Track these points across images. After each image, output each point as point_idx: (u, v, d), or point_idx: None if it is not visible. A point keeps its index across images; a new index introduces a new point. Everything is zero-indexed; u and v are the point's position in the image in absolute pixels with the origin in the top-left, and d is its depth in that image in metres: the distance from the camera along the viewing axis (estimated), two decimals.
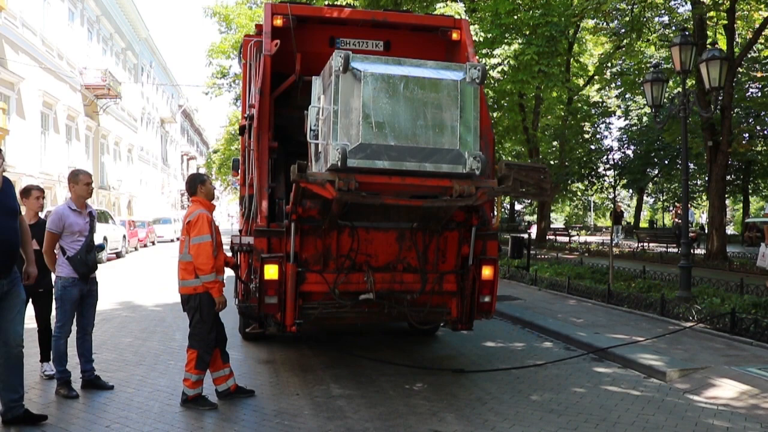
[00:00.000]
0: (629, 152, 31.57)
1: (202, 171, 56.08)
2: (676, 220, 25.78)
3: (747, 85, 20.36)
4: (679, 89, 10.52)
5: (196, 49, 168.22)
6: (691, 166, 27.28)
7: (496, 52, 16.43)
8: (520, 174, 4.92)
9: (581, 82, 25.57)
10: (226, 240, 5.40)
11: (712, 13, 16.65)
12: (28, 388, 5.32)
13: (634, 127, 31.26)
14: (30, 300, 5.27)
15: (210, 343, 4.94)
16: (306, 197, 5.00)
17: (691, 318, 8.24)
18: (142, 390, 5.38)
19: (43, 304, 5.59)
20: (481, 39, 16.18)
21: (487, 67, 16.34)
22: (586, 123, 27.86)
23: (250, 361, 6.46)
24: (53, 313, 5.65)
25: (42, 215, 5.91)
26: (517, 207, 41.40)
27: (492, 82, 17.76)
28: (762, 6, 17.52)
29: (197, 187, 5.09)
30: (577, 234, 33.66)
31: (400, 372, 5.97)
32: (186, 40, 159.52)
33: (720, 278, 11.07)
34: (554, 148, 28.46)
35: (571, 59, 22.75)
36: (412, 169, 4.50)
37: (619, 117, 32.82)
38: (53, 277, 5.35)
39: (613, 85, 26.48)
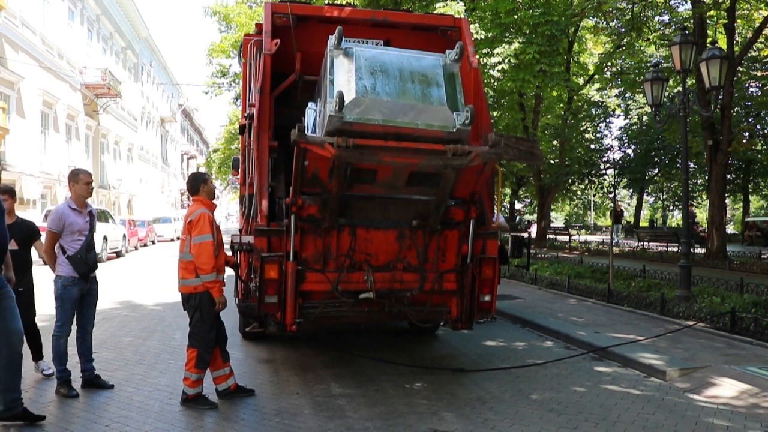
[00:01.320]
0: (629, 151, 31.63)
1: (203, 170, 56.04)
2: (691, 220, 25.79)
3: (747, 84, 20.36)
4: (679, 88, 10.52)
5: (196, 49, 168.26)
6: (691, 165, 27.30)
7: (497, 51, 16.42)
8: (510, 141, 5.11)
9: (581, 81, 25.56)
10: (225, 239, 5.40)
11: (712, 12, 16.66)
12: (27, 388, 5.34)
13: (634, 127, 31.30)
14: None
15: (210, 342, 4.94)
16: (306, 183, 5.01)
17: (691, 317, 8.24)
18: (143, 389, 5.38)
19: (25, 303, 5.47)
20: (482, 38, 16.17)
21: (488, 67, 16.37)
22: (586, 123, 27.89)
23: (250, 361, 6.46)
24: (38, 311, 5.68)
25: (21, 215, 5.92)
26: (518, 206, 41.37)
27: (492, 81, 17.76)
28: (762, 5, 17.53)
29: (199, 186, 5.09)
30: (577, 233, 33.71)
31: (400, 371, 5.97)
32: (186, 39, 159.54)
33: (720, 277, 11.08)
34: (554, 148, 28.45)
35: (571, 58, 22.73)
36: (405, 126, 4.71)
37: (619, 116, 32.86)
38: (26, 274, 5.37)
39: (612, 84, 26.50)
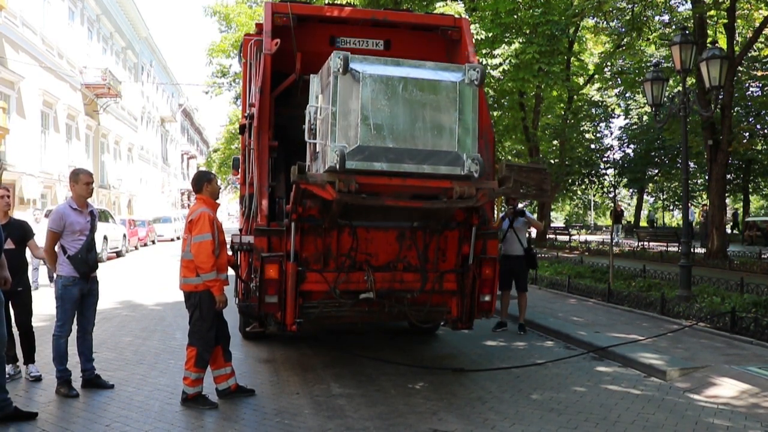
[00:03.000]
0: (629, 151, 31.63)
1: (204, 170, 55.95)
2: (703, 220, 25.63)
3: (747, 84, 20.37)
4: (679, 88, 10.52)
5: (196, 49, 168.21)
6: (692, 165, 27.30)
7: (497, 51, 16.42)
8: (521, 175, 4.95)
9: (581, 81, 25.55)
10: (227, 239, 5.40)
11: (712, 12, 16.65)
12: (27, 388, 5.36)
13: (635, 126, 31.30)
14: (10, 301, 5.25)
15: (209, 341, 4.94)
16: (306, 197, 5.01)
17: (691, 317, 8.24)
18: (143, 389, 5.38)
19: (23, 303, 5.52)
20: (482, 38, 16.17)
21: (488, 67, 16.36)
22: (586, 123, 27.88)
23: (250, 360, 6.46)
24: (34, 312, 5.68)
25: (25, 216, 5.94)
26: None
27: (492, 81, 17.76)
28: (762, 5, 17.52)
29: (203, 185, 5.09)
30: (578, 233, 33.69)
31: (401, 371, 5.97)
32: (186, 39, 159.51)
33: (720, 277, 11.08)
34: (554, 147, 28.45)
35: (572, 58, 22.72)
36: (411, 171, 4.54)
37: (619, 116, 32.85)
38: (29, 274, 5.37)
39: (612, 84, 26.50)
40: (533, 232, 26.32)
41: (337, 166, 4.26)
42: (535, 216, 33.45)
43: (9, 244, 5.39)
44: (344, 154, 4.29)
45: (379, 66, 4.57)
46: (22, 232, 5.63)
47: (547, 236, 26.34)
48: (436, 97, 4.55)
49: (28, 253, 5.78)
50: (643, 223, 41.92)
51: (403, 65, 4.63)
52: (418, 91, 4.51)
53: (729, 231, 26.14)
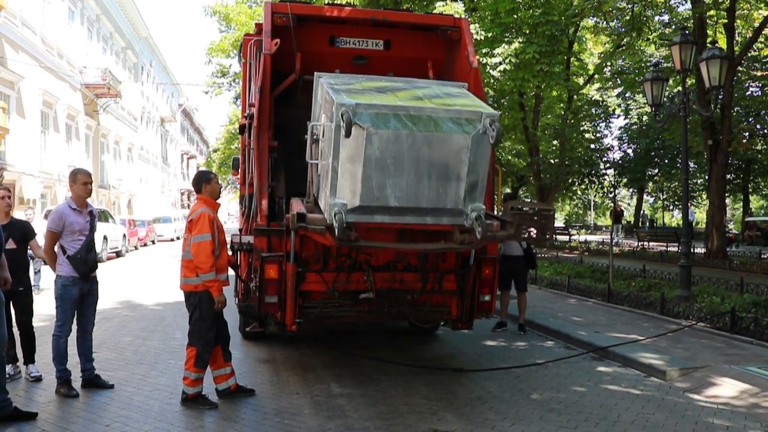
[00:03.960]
0: (629, 151, 31.63)
1: (203, 169, 55.93)
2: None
3: (747, 84, 20.36)
4: (679, 88, 10.52)
5: (196, 48, 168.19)
6: (691, 165, 27.30)
7: (497, 51, 16.41)
8: (525, 219, 4.91)
9: (581, 81, 25.55)
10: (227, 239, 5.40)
11: (712, 12, 16.66)
12: (27, 388, 5.35)
13: (634, 127, 31.29)
14: (10, 301, 5.26)
15: (209, 341, 4.94)
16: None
17: (691, 317, 8.24)
18: (143, 389, 5.38)
19: (24, 303, 5.52)
20: (482, 38, 16.16)
21: (488, 67, 16.36)
22: (586, 123, 27.87)
23: (250, 360, 6.46)
24: (35, 312, 5.68)
25: (17, 215, 5.94)
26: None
27: (492, 81, 17.75)
28: (762, 5, 17.52)
29: (202, 185, 5.08)
30: (577, 233, 33.69)
31: (400, 371, 5.97)
32: (186, 39, 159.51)
33: (720, 277, 11.07)
34: (554, 147, 28.44)
35: (572, 58, 22.72)
36: (413, 223, 4.58)
37: (619, 116, 32.85)
38: (30, 274, 5.37)
39: (612, 84, 26.49)
40: (533, 232, 26.32)
41: (336, 232, 4.18)
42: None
43: (10, 244, 5.39)
44: (343, 219, 4.18)
45: (388, 107, 4.23)
46: (23, 232, 5.63)
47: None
48: (446, 154, 4.31)
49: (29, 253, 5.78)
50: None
51: (414, 117, 4.25)
52: (428, 148, 4.26)
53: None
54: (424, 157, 4.28)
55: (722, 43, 16.48)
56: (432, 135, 4.24)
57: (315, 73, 4.89)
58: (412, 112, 4.24)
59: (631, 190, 40.52)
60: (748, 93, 20.94)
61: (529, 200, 42.51)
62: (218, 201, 5.21)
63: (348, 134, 4.03)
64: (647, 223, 38.59)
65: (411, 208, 4.40)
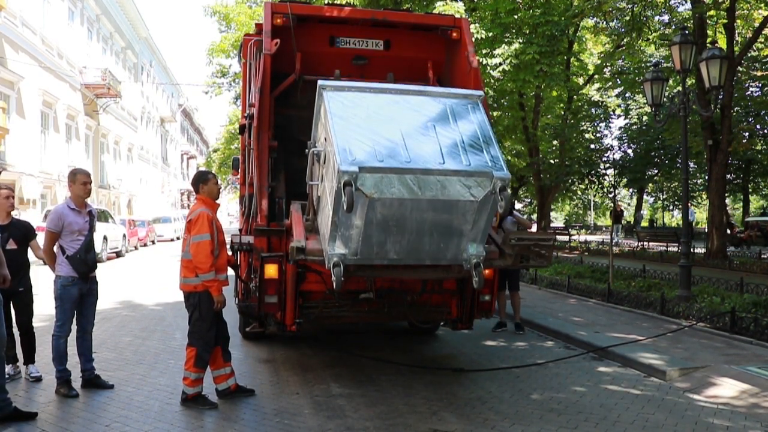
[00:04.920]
0: (629, 151, 31.61)
1: (203, 169, 55.93)
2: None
3: (747, 84, 20.35)
4: (679, 88, 10.51)
5: (196, 49, 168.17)
6: (691, 165, 27.28)
7: (497, 51, 16.41)
8: (524, 250, 4.92)
9: (581, 81, 25.54)
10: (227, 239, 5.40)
11: (712, 12, 16.66)
12: (27, 388, 5.35)
13: (634, 127, 31.28)
14: (11, 301, 5.27)
15: (209, 341, 4.94)
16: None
17: (691, 317, 8.24)
18: (142, 389, 5.38)
19: (23, 303, 5.51)
20: (482, 38, 16.16)
21: (488, 67, 16.36)
22: (586, 123, 27.85)
23: (250, 360, 6.46)
24: (35, 312, 5.68)
25: (16, 215, 5.93)
26: (518, 206, 41.36)
27: (492, 81, 17.75)
28: (762, 5, 17.52)
29: (200, 185, 5.09)
30: (577, 233, 33.70)
31: (400, 371, 5.97)
32: (186, 39, 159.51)
33: (720, 277, 11.07)
34: (554, 147, 28.43)
35: (572, 58, 22.71)
36: (412, 263, 4.56)
37: (619, 116, 32.84)
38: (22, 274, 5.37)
39: (612, 84, 26.48)
40: (533, 231, 26.35)
41: (335, 285, 4.14)
42: (534, 216, 33.42)
43: (11, 244, 5.39)
44: (341, 274, 4.14)
45: (394, 180, 3.97)
46: (24, 232, 5.63)
47: None
48: (451, 215, 4.21)
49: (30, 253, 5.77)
50: (643, 223, 41.93)
51: (421, 180, 4.00)
52: (432, 211, 4.15)
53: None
54: (428, 218, 4.18)
55: (722, 43, 16.49)
56: (438, 200, 4.10)
57: (318, 82, 4.55)
58: (419, 174, 4.02)
59: (631, 190, 40.50)
60: (748, 93, 20.93)
61: (529, 200, 42.57)
62: (218, 201, 5.21)
63: (350, 210, 3.87)
64: (639, 223, 38.52)
65: (411, 258, 4.44)
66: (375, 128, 4.23)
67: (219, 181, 5.24)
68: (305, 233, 4.83)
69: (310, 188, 5.04)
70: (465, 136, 4.37)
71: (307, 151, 4.73)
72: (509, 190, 4.22)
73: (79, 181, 5.26)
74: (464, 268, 4.52)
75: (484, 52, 16.45)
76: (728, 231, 22.61)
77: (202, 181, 5.10)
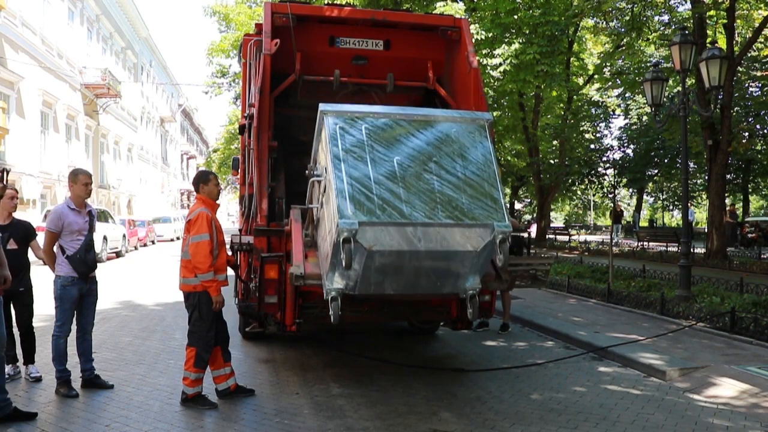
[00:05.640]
0: (629, 151, 31.63)
1: (203, 169, 55.88)
2: (728, 219, 25.42)
3: (747, 84, 20.35)
4: (679, 88, 10.51)
5: (196, 49, 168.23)
6: (691, 165, 27.28)
7: (497, 51, 16.42)
8: (519, 275, 5.02)
9: (581, 81, 25.55)
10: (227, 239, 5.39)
11: (711, 12, 16.65)
12: (27, 388, 5.35)
13: (634, 126, 31.29)
14: (11, 301, 5.26)
15: (209, 341, 4.93)
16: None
17: (691, 317, 8.23)
18: (142, 389, 5.38)
19: (23, 304, 5.51)
20: (482, 38, 16.17)
21: (488, 67, 16.37)
22: (586, 123, 27.86)
23: (249, 360, 6.46)
24: (35, 312, 5.68)
25: (21, 215, 5.95)
26: (517, 206, 41.39)
27: (492, 81, 17.76)
28: (762, 5, 17.53)
29: (200, 185, 5.09)
30: (577, 233, 33.68)
31: (400, 371, 5.97)
32: (186, 39, 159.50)
33: (720, 277, 11.07)
34: (554, 147, 28.44)
35: (571, 58, 22.72)
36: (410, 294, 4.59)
37: (619, 116, 32.85)
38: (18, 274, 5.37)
39: (612, 84, 26.48)
40: (533, 231, 26.35)
41: (332, 318, 4.16)
42: (534, 216, 33.31)
43: (11, 245, 5.40)
44: (338, 307, 4.18)
45: (394, 233, 3.94)
46: (25, 233, 5.63)
47: (547, 236, 26.34)
48: (450, 263, 4.23)
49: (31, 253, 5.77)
50: (643, 223, 41.91)
51: (421, 232, 3.97)
52: (431, 260, 4.16)
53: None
54: (427, 265, 4.20)
55: (722, 43, 16.48)
56: (437, 251, 4.10)
57: (320, 107, 4.40)
58: (419, 227, 3.99)
59: (631, 190, 40.49)
60: (748, 93, 20.93)
61: (529, 200, 42.57)
62: (218, 201, 5.21)
63: (348, 267, 3.89)
64: (637, 224, 38.52)
65: (408, 292, 4.47)
66: (376, 167, 4.13)
67: (220, 182, 5.23)
68: (304, 249, 4.81)
69: (309, 213, 5.01)
70: (468, 175, 4.27)
71: (307, 173, 4.68)
72: (509, 242, 4.20)
73: (81, 181, 5.26)
74: (460, 297, 4.59)
75: (484, 52, 16.46)
76: (738, 231, 22.50)
77: (203, 181, 5.10)
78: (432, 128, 4.41)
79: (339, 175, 4.02)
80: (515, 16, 16.55)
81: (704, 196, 30.89)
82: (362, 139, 4.20)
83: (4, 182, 4.65)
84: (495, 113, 22.21)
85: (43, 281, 6.33)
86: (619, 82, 24.88)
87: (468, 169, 4.28)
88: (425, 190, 4.11)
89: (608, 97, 31.82)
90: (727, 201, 25.78)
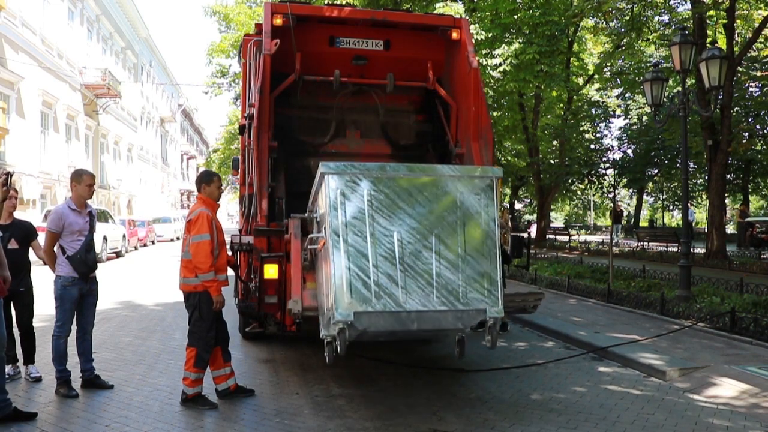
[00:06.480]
0: (629, 151, 31.63)
1: (203, 170, 55.95)
2: (740, 220, 25.31)
3: (747, 85, 20.35)
4: (679, 88, 10.51)
5: (196, 49, 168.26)
6: (691, 165, 27.27)
7: (497, 51, 16.42)
8: (513, 303, 5.15)
9: (581, 81, 25.55)
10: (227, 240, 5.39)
11: (711, 12, 16.66)
12: (26, 388, 5.36)
13: (634, 127, 31.29)
14: (11, 301, 5.26)
15: (209, 341, 4.94)
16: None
17: (691, 317, 8.23)
18: (142, 389, 5.38)
19: (24, 304, 5.51)
20: (482, 38, 16.17)
21: (488, 67, 16.37)
22: (586, 123, 27.86)
23: (249, 361, 6.46)
24: (35, 312, 5.68)
25: (21, 215, 5.95)
26: (517, 206, 41.41)
27: (492, 81, 17.76)
28: (761, 5, 17.53)
29: (202, 185, 5.09)
30: (577, 233, 33.67)
31: (400, 371, 5.97)
32: (186, 39, 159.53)
33: (720, 277, 11.07)
34: (554, 147, 28.45)
35: (571, 58, 22.72)
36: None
37: (619, 116, 32.85)
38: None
39: (612, 84, 26.49)
40: (533, 231, 26.36)
41: (327, 359, 4.16)
42: (534, 216, 33.25)
43: (12, 244, 5.40)
44: (336, 349, 4.15)
45: (388, 319, 4.03)
46: (25, 233, 5.63)
47: (547, 236, 26.35)
48: (440, 333, 4.61)
49: (31, 253, 5.78)
50: (643, 223, 41.92)
51: (414, 317, 4.06)
52: (422, 332, 4.36)
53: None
54: (418, 332, 4.32)
55: (722, 43, 16.49)
56: (429, 330, 4.29)
57: (320, 167, 4.22)
58: (413, 313, 4.06)
59: (631, 190, 40.48)
60: (747, 93, 20.93)
61: (529, 200, 42.56)
62: (218, 202, 5.21)
63: (342, 354, 4.02)
64: (636, 224, 38.53)
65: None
66: (376, 245, 4.08)
67: (221, 186, 5.23)
68: (302, 274, 4.83)
69: (309, 231, 4.98)
70: (468, 251, 4.21)
71: (307, 215, 4.68)
72: (498, 328, 4.27)
73: (85, 182, 5.26)
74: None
75: (484, 52, 16.46)
76: (748, 232, 22.40)
77: (206, 181, 5.10)
78: (437, 190, 4.25)
79: (338, 255, 3.99)
80: (515, 16, 16.56)
81: (704, 196, 30.88)
82: (363, 209, 4.10)
83: (7, 185, 4.66)
84: (495, 113, 22.22)
85: (43, 281, 6.33)
86: (619, 82, 24.92)
87: (469, 243, 4.22)
88: (423, 271, 4.11)
89: (608, 97, 31.82)
90: (728, 201, 25.79)
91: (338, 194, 4.08)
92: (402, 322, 4.06)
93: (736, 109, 19.35)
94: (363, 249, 4.03)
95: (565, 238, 27.30)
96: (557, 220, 55.82)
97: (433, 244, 4.15)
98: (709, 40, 14.66)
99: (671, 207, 44.85)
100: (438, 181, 4.28)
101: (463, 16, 15.15)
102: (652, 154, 29.75)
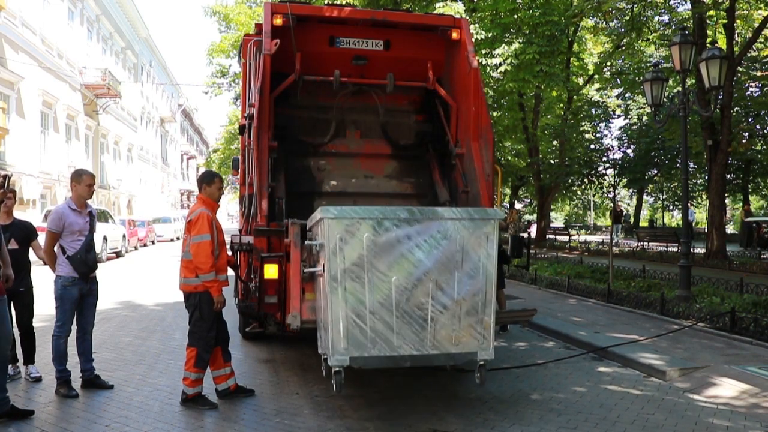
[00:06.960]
0: (629, 151, 31.61)
1: (202, 170, 55.97)
2: (745, 219, 25.26)
3: (747, 84, 20.35)
4: (679, 88, 10.51)
5: (196, 49, 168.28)
6: (691, 165, 27.26)
7: (497, 51, 16.42)
8: (505, 317, 5.24)
9: (581, 81, 25.55)
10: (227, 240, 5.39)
11: (711, 12, 16.66)
12: (26, 388, 5.36)
13: (634, 126, 31.27)
14: (11, 301, 5.26)
15: (209, 341, 4.94)
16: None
17: (691, 317, 8.23)
18: (142, 389, 5.38)
19: (24, 303, 5.51)
20: (482, 38, 16.17)
21: (488, 67, 16.36)
22: (586, 123, 27.86)
23: (249, 361, 6.46)
24: (35, 312, 5.68)
25: (21, 215, 5.95)
26: (517, 206, 41.39)
27: (492, 81, 17.76)
28: (761, 5, 17.54)
29: (203, 186, 5.09)
30: (577, 233, 33.68)
31: (401, 371, 5.96)
32: (186, 39, 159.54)
33: (720, 277, 11.07)
34: (554, 147, 28.44)
35: (571, 58, 22.72)
36: None
37: (619, 116, 32.85)
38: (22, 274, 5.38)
39: (612, 84, 26.47)
40: (533, 231, 26.35)
41: (335, 388, 4.25)
42: (534, 216, 33.24)
43: (12, 245, 5.40)
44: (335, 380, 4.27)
45: (383, 362, 4.24)
46: (25, 233, 5.63)
47: (547, 236, 26.35)
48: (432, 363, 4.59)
49: (32, 253, 5.78)
50: (643, 223, 41.90)
51: (409, 359, 4.24)
52: (416, 365, 4.43)
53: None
54: (407, 366, 4.43)
55: (722, 43, 16.49)
56: (423, 365, 4.51)
57: (320, 211, 4.17)
58: (406, 358, 4.24)
59: (631, 190, 40.47)
60: (747, 93, 20.92)
61: (529, 200, 42.54)
62: (218, 202, 5.21)
63: (339, 392, 4.31)
64: (636, 224, 38.53)
65: None
66: (373, 291, 4.09)
67: (222, 187, 5.21)
68: (302, 285, 4.86)
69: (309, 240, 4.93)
70: (464, 296, 4.24)
71: (307, 242, 4.71)
72: (486, 369, 4.47)
73: (85, 182, 5.26)
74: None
75: (484, 52, 16.46)
76: (755, 231, 22.35)
77: (207, 181, 5.10)
78: (438, 234, 4.21)
79: (336, 301, 4.05)
80: (515, 16, 16.56)
81: (704, 196, 30.88)
82: (362, 255, 4.07)
83: (5, 188, 4.66)
84: (495, 113, 22.21)
85: (43, 281, 6.33)
86: (619, 82, 24.89)
87: (465, 288, 4.24)
88: (418, 318, 4.17)
89: (608, 97, 31.80)
90: (728, 201, 25.75)
91: (338, 240, 4.05)
92: (395, 362, 4.27)
93: (736, 109, 19.34)
94: (361, 296, 4.08)
95: (565, 238, 27.30)
96: (557, 220, 55.81)
97: (430, 289, 4.18)
98: (709, 40, 14.67)
99: (671, 207, 44.84)
100: (438, 225, 4.23)
101: (463, 16, 15.15)
102: (652, 154, 29.73)
